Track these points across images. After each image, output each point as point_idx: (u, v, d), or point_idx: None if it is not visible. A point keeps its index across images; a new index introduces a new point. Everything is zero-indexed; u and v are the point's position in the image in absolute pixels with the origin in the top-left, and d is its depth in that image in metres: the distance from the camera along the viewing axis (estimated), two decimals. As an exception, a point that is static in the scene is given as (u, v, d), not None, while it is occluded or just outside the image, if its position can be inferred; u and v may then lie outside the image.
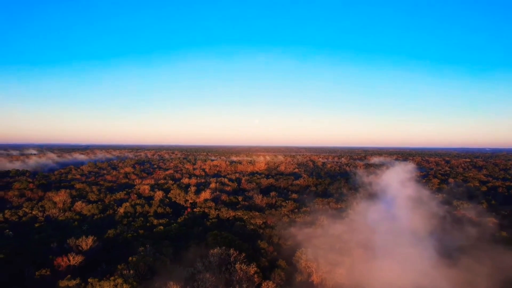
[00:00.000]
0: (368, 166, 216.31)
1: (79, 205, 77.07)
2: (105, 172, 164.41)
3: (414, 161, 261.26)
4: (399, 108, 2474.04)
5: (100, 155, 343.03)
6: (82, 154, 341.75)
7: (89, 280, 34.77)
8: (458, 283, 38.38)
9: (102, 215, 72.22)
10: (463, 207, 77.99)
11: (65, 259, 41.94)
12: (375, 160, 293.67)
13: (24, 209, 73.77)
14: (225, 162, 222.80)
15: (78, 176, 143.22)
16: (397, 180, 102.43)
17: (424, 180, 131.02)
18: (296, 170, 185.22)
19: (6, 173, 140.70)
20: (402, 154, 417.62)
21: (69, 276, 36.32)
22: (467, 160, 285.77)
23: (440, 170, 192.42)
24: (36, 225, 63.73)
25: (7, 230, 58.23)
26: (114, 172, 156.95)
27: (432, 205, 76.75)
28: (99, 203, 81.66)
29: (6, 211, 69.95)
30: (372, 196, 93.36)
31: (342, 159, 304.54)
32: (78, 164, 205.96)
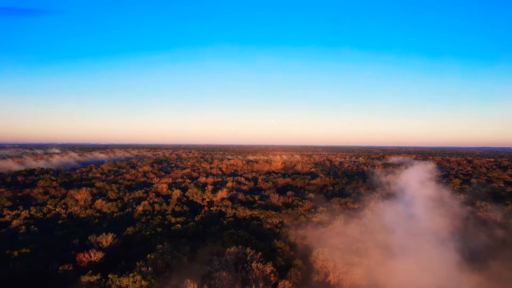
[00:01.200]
0: (386, 165, 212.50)
1: (99, 203, 79.11)
2: (124, 171, 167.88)
3: (434, 161, 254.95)
4: (418, 106, 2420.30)
5: (120, 154, 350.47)
6: (102, 153, 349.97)
7: (109, 276, 35.67)
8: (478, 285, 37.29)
9: (121, 213, 73.83)
10: (486, 209, 75.54)
11: (86, 255, 43.16)
12: (393, 159, 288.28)
13: (48, 206, 76.29)
14: (242, 161, 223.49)
15: (98, 175, 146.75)
16: (416, 180, 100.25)
17: (444, 180, 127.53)
18: (313, 169, 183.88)
19: (31, 171, 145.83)
20: (421, 154, 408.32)
21: (90, 271, 37.37)
22: (491, 159, 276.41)
23: (462, 170, 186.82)
24: (59, 221, 65.80)
25: (33, 226, 60.55)
26: (133, 171, 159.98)
27: (453, 206, 74.75)
28: (118, 201, 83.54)
29: (31, 208, 72.60)
30: (391, 196, 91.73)
31: (360, 158, 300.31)
32: (98, 163, 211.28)
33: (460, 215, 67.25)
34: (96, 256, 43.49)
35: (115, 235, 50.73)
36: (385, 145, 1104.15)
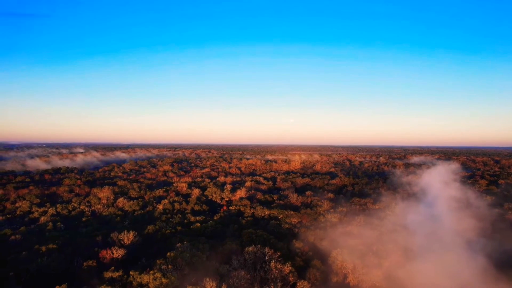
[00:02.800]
0: (408, 165, 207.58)
1: (121, 201, 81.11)
2: (145, 170, 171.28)
3: (458, 161, 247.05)
4: (442, 106, 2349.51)
5: (140, 153, 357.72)
6: (124, 152, 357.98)
7: (130, 272, 36.53)
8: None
9: (142, 211, 75.38)
10: (514, 211, 72.64)
11: (109, 252, 44.36)
12: (415, 159, 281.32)
13: (73, 203, 78.90)
14: (261, 161, 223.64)
15: (120, 174, 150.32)
16: (439, 180, 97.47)
17: (470, 181, 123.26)
18: (332, 169, 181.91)
19: (58, 170, 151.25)
20: (445, 154, 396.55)
21: (112, 268, 38.39)
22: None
23: (489, 170, 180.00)
24: (83, 219, 67.92)
25: (59, 223, 62.78)
26: (154, 170, 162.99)
27: (479, 208, 72.26)
28: (139, 199, 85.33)
29: (58, 205, 75.25)
30: (412, 196, 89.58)
31: (381, 158, 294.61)
32: (120, 162, 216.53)
33: (486, 217, 64.83)
34: (118, 253, 44.63)
35: (136, 233, 51.86)
36: (406, 145, 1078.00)
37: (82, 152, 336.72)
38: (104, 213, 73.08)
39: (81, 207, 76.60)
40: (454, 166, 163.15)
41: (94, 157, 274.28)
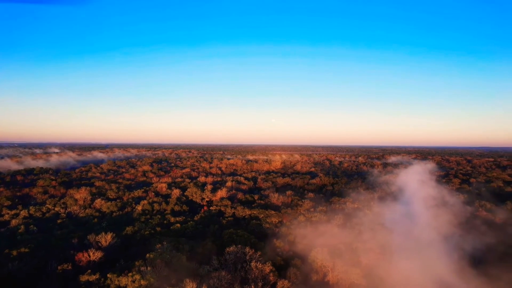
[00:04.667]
0: (385, 165, 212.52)
1: (98, 202, 79.08)
2: (123, 170, 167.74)
3: (433, 161, 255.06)
4: (418, 106, 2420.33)
5: (119, 153, 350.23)
6: (102, 152, 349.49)
7: (108, 275, 35.64)
8: (479, 285, 37.29)
9: (120, 212, 73.78)
10: (486, 208, 75.65)
11: (85, 254, 43.12)
12: (393, 159, 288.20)
13: (47, 205, 76.19)
14: (241, 161, 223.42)
15: (98, 174, 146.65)
16: (415, 179, 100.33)
17: (444, 180, 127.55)
18: (313, 169, 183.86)
19: (31, 171, 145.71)
20: (421, 153, 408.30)
21: (89, 271, 37.33)
22: (491, 159, 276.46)
23: (461, 169, 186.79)
24: (59, 221, 65.73)
25: (32, 226, 60.43)
26: (133, 171, 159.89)
27: (452, 206, 74.80)
28: (117, 200, 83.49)
29: (31, 207, 72.50)
30: (390, 195, 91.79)
31: (359, 158, 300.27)
32: (98, 162, 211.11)
33: (459, 214, 67.25)
34: (95, 255, 43.46)
35: (114, 235, 50.69)
36: (384, 145, 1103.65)
37: (57, 152, 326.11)
38: (81, 215, 71.04)
39: (56, 208, 74.12)
40: (430, 165, 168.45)
41: (70, 157, 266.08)
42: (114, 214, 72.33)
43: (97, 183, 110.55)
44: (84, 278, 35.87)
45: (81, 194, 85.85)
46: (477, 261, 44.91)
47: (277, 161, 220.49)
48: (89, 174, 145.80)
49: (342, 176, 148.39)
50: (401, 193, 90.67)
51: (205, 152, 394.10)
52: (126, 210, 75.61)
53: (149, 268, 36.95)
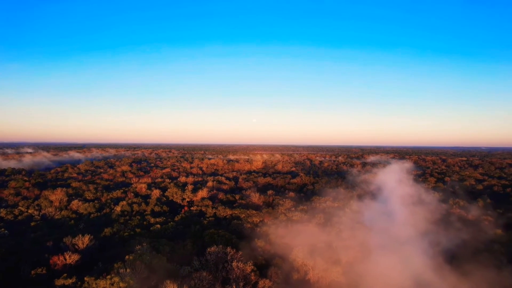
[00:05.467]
0: (365, 164, 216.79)
1: (75, 203, 76.85)
2: (102, 170, 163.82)
3: (410, 160, 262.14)
4: (396, 107, 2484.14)
5: (97, 153, 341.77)
6: (79, 152, 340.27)
7: (85, 278, 34.65)
8: (455, 283, 38.60)
9: (98, 213, 72.02)
10: (459, 206, 78.43)
11: (61, 258, 41.79)
12: (372, 158, 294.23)
13: (19, 207, 73.40)
14: (223, 160, 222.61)
15: (75, 175, 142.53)
16: (393, 178, 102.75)
17: (420, 179, 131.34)
18: (293, 168, 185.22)
19: (2, 172, 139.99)
20: (399, 153, 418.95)
21: (65, 275, 36.20)
22: (464, 158, 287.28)
23: (437, 168, 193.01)
24: (32, 224, 63.41)
25: (3, 229, 57.91)
26: (111, 171, 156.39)
27: (428, 204, 77.07)
28: (95, 201, 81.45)
29: (1, 210, 69.61)
30: (369, 194, 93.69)
31: (339, 157, 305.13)
32: (74, 163, 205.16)
33: (435, 212, 69.42)
34: (71, 258, 42.21)
35: (92, 237, 49.42)
36: (364, 145, 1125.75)
37: (30, 152, 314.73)
38: (56, 217, 68.84)
39: (29, 211, 71.54)
40: (407, 164, 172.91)
41: (44, 157, 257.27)
42: (92, 215, 70.54)
43: (73, 184, 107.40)
44: (59, 282, 34.76)
45: (57, 195, 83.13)
46: (452, 257, 46.46)
47: (259, 160, 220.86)
48: (65, 175, 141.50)
49: (323, 175, 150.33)
50: (380, 191, 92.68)
51: (186, 152, 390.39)
52: (104, 211, 73.88)
53: (128, 270, 36.20)
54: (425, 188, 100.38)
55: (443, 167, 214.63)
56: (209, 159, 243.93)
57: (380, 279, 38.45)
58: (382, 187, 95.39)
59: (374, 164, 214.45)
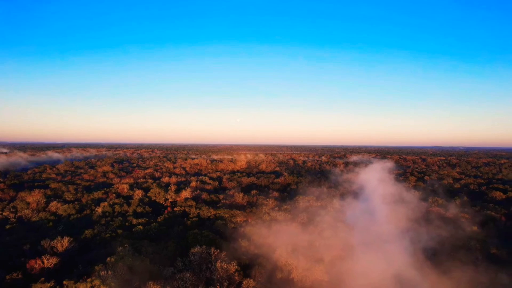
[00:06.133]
0: (347, 164, 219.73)
1: (54, 205, 74.70)
2: (82, 171, 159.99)
3: (392, 159, 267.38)
4: (378, 108, 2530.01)
5: (77, 153, 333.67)
6: (58, 152, 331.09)
7: (64, 282, 33.75)
8: (435, 280, 39.63)
9: (79, 215, 70.28)
10: (438, 204, 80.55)
11: (38, 261, 40.52)
12: (354, 158, 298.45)
13: (-5, 210, 70.81)
14: (206, 160, 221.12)
15: (54, 175, 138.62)
16: (375, 177, 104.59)
17: (401, 178, 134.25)
18: (277, 168, 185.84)
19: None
20: (380, 153, 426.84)
21: (42, 279, 35.16)
22: (442, 158, 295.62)
23: (417, 168, 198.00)
24: (7, 227, 61.25)
25: (-24, 232, 55.82)
26: (92, 171, 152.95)
27: (409, 202, 78.80)
28: (75, 202, 79.45)
29: (-25, 212, 66.97)
30: (352, 193, 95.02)
31: (323, 157, 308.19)
32: (53, 163, 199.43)
33: (415, 210, 71.03)
34: (49, 262, 41.01)
35: (71, 239, 48.21)
36: (346, 145, 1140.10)
37: (5, 152, 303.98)
38: (34, 219, 66.71)
39: (4, 213, 69.09)
40: (389, 164, 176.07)
41: (20, 157, 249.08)
42: (72, 217, 68.77)
43: (52, 185, 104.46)
44: (36, 287, 33.72)
45: (34, 196, 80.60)
46: (433, 254, 47.70)
47: (242, 160, 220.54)
48: (44, 176, 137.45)
49: (306, 175, 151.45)
50: (362, 190, 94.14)
51: (169, 152, 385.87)
52: (85, 212, 72.17)
53: (110, 273, 35.49)
54: (406, 187, 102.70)
55: (423, 166, 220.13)
56: (193, 159, 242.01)
57: (362, 276, 39.07)
58: (364, 186, 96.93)
59: (356, 164, 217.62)
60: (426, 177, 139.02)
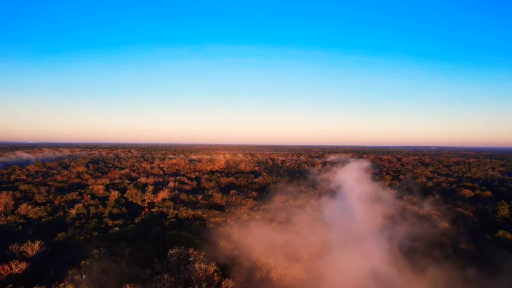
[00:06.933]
0: (325, 163, 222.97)
1: (24, 207, 71.64)
2: (55, 172, 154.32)
3: (368, 159, 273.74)
4: (355, 108, 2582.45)
5: (49, 154, 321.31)
6: (28, 152, 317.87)
7: None
8: (411, 277, 40.86)
9: (51, 217, 67.69)
10: (412, 202, 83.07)
11: (6, 267, 38.67)
12: (332, 158, 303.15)
13: (-41, 213, 67.19)
14: (184, 160, 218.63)
15: (24, 177, 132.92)
16: (352, 177, 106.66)
17: (377, 177, 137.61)
18: (256, 168, 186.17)
19: None
20: (357, 152, 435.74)
21: (10, 285, 33.68)
22: (416, 157, 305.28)
23: (392, 167, 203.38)
24: (-26, 230, 58.28)
25: None
26: (65, 172, 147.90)
27: (385, 201, 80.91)
28: (47, 204, 76.51)
29: None
30: (329, 192, 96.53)
31: (301, 157, 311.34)
32: (23, 164, 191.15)
33: (391, 208, 73.00)
34: (18, 267, 39.25)
35: (43, 242, 46.35)
36: (324, 144, 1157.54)
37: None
38: (1, 223, 63.69)
39: (-29, 216, 65.68)
40: (365, 163, 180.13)
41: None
42: (43, 219, 66.20)
43: (22, 187, 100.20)
44: (6, 292, 32.27)
45: (2, 199, 76.92)
46: (408, 251, 49.12)
47: (221, 160, 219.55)
48: (12, 177, 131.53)
49: (285, 174, 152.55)
50: (340, 189, 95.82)
51: (146, 152, 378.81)
52: (57, 214, 69.62)
53: (84, 277, 34.39)
54: (382, 186, 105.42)
55: (398, 165, 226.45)
56: (171, 159, 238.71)
57: (340, 274, 39.74)
58: (341, 185, 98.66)
59: (334, 163, 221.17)
60: (401, 176, 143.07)
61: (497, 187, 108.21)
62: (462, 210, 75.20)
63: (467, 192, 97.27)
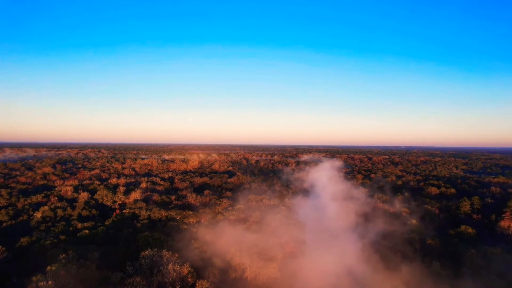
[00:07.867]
0: (299, 163, 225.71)
1: (-16, 211, 67.73)
2: (18, 173, 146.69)
3: (341, 158, 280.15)
4: (327, 108, 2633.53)
5: (11, 154, 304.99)
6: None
7: (-4, 295, 30.74)
8: (383, 272, 42.16)
9: (13, 221, 64.39)
10: (383, 200, 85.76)
11: (-35, 273, 36.47)
12: (305, 157, 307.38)
13: None
14: (157, 160, 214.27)
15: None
16: (325, 176, 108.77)
17: (350, 176, 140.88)
18: (230, 168, 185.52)
19: None
20: (330, 152, 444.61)
21: (-29, 292, 31.70)
22: (386, 157, 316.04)
23: (364, 166, 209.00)
24: None
25: None
26: (30, 173, 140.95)
27: (357, 199, 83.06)
28: (9, 208, 72.69)
29: None
30: (303, 191, 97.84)
31: (275, 156, 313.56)
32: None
33: (363, 206, 75.11)
34: (-21, 273, 37.07)
35: (3, 248, 43.99)
36: (298, 144, 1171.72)
37: None
38: (-40, 227, 59.98)
39: None
40: (338, 163, 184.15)
41: None
42: (5, 224, 62.88)
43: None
44: (-36, 301, 30.35)
45: (-39, 202, 72.49)
46: (380, 247, 50.66)
47: (195, 160, 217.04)
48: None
49: (259, 174, 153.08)
50: (313, 188, 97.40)
51: (117, 152, 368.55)
52: (21, 218, 66.27)
53: (50, 283, 32.91)
54: (354, 184, 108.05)
55: (369, 165, 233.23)
56: (143, 159, 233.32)
57: (314, 272, 40.39)
58: (315, 184, 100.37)
59: (307, 163, 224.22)
60: (372, 175, 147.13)
61: (460, 185, 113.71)
62: (429, 207, 78.52)
63: (433, 190, 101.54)
